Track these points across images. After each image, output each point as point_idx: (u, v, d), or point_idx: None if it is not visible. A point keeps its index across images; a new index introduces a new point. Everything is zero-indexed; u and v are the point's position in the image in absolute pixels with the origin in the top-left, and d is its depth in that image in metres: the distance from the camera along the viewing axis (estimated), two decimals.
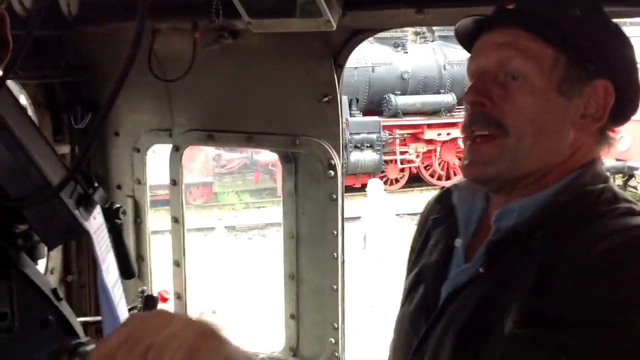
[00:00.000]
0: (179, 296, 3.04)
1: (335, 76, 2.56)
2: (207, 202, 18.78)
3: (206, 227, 15.74)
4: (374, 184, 12.08)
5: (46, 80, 2.81)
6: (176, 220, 2.98)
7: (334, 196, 2.68)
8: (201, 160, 18.49)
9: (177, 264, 3.01)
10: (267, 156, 19.80)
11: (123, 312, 1.55)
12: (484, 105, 1.45)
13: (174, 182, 2.95)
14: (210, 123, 2.84)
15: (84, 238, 2.83)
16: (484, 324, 1.38)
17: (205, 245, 13.32)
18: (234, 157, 20.24)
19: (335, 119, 2.62)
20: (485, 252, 1.45)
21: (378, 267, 11.34)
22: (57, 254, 2.99)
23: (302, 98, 2.64)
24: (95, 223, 1.57)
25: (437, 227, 1.69)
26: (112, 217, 1.81)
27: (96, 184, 1.62)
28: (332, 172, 2.65)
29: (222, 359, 0.95)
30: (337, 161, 2.65)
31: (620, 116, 1.50)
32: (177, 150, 2.91)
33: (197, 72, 2.62)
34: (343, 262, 2.76)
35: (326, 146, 2.64)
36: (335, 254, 2.72)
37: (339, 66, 2.56)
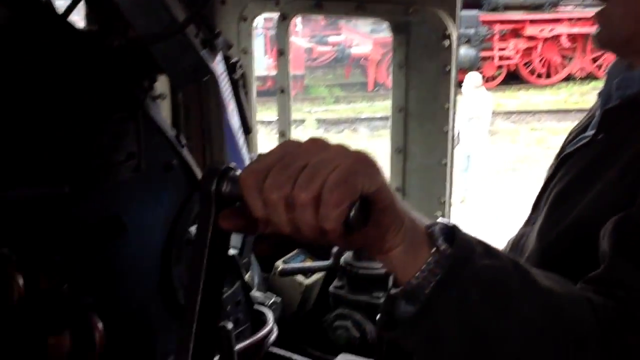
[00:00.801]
0: None
1: None
2: (298, 94, 18.84)
3: (297, 120, 15.86)
4: (472, 78, 11.68)
5: None
6: (282, 90, 2.96)
7: (447, 68, 2.57)
8: (293, 53, 18.37)
9: (283, 134, 3.02)
10: (360, 50, 19.47)
11: (246, 158, 1.57)
12: None
13: (281, 52, 2.91)
14: None
15: (194, 101, 2.87)
16: (584, 188, 1.36)
17: (296, 136, 13.41)
18: (326, 50, 20.02)
19: None
20: (600, 119, 1.42)
21: (470, 163, 11.19)
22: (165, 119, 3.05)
23: None
24: (219, 68, 1.57)
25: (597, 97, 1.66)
26: (229, 71, 1.81)
27: (217, 30, 1.60)
28: (447, 42, 2.53)
29: (378, 185, 0.92)
30: (452, 31, 2.52)
31: None
32: (284, 19, 2.85)
33: None
34: (453, 137, 2.69)
35: (441, 15, 2.51)
36: (445, 128, 2.65)
37: None
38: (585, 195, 1.34)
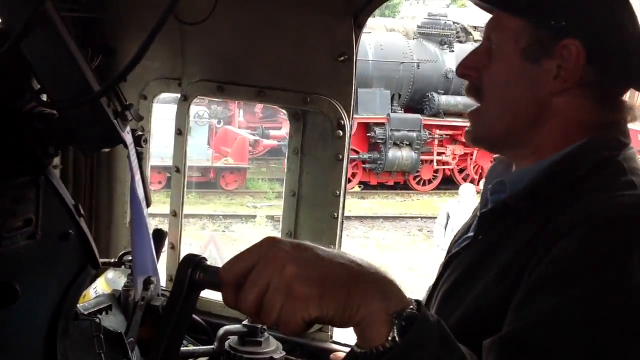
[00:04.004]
0: (173, 246, 3.04)
1: (354, 36, 2.57)
2: (240, 188, 18.65)
3: (245, 215, 16.05)
4: (467, 189, 12.06)
5: (61, 13, 2.75)
6: (177, 170, 2.97)
7: (340, 156, 2.69)
8: (238, 144, 18.37)
9: (174, 214, 3.00)
10: None
11: (148, 225, 1.58)
12: (469, 76, 1.58)
13: (179, 132, 2.93)
14: (221, 74, 2.82)
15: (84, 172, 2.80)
16: (465, 289, 1.46)
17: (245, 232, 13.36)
18: (271, 143, 19.84)
19: (349, 79, 2.63)
20: (477, 222, 1.56)
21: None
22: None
23: (317, 55, 2.65)
24: (129, 138, 1.58)
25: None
26: (135, 144, 1.82)
27: (128, 102, 1.62)
28: (340, 132, 2.66)
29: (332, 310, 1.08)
30: (346, 121, 2.66)
31: (620, 79, 1.50)
32: (185, 100, 2.90)
33: (215, 20, 2.60)
34: (342, 223, 2.78)
35: (337, 105, 2.65)
36: (335, 214, 2.74)
37: (359, 26, 2.57)
38: (467, 296, 1.43)
